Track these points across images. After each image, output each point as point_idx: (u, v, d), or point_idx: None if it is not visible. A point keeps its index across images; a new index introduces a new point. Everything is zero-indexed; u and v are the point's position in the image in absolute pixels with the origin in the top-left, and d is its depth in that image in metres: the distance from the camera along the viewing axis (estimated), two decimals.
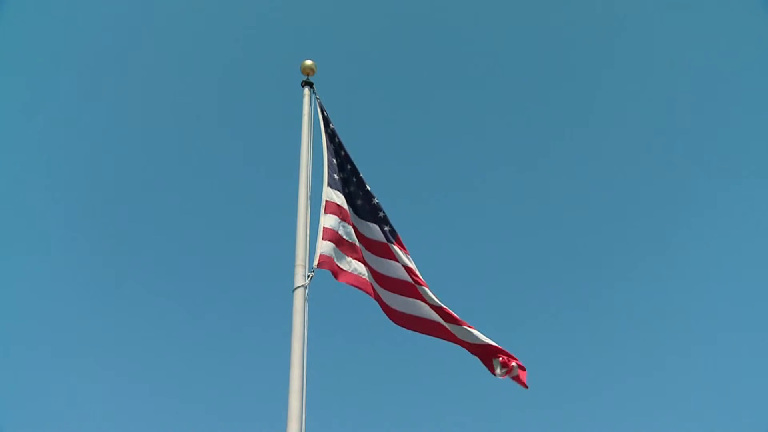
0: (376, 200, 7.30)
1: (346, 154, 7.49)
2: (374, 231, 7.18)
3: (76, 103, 20.36)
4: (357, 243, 6.98)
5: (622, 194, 21.81)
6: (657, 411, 16.80)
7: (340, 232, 6.79)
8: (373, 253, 7.08)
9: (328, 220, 6.72)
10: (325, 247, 6.50)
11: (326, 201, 6.85)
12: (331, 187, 7.00)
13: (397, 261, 7.06)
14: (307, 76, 7.90)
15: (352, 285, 6.70)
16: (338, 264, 6.62)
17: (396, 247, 7.10)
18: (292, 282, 6.23)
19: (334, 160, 7.33)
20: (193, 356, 18.39)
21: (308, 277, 6.26)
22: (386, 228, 7.17)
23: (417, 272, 7.02)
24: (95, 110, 20.54)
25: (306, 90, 7.81)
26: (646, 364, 18.15)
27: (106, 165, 20.68)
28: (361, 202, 7.29)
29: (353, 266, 6.79)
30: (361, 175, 7.43)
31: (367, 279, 6.86)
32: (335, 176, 7.17)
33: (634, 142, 21.84)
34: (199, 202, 21.43)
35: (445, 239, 21.40)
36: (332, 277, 6.56)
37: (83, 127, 20.25)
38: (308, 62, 7.95)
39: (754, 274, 18.36)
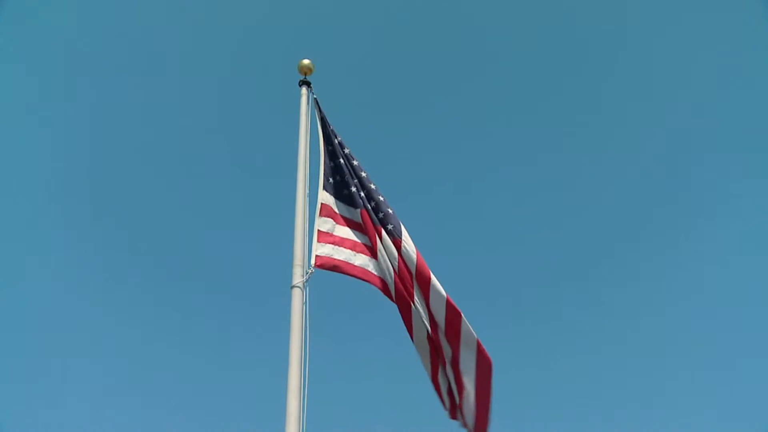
0: (373, 203, 7.11)
1: (348, 154, 7.42)
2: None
3: (75, 103, 20.39)
4: (356, 239, 6.92)
5: (624, 194, 21.84)
6: (657, 411, 16.80)
7: (335, 233, 6.79)
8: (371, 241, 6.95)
9: (323, 223, 6.75)
10: (320, 248, 6.55)
11: (321, 204, 6.88)
12: (326, 191, 7.04)
13: (395, 256, 6.80)
14: (305, 75, 7.86)
15: (355, 276, 6.63)
16: (337, 259, 6.60)
17: (390, 240, 6.84)
18: (290, 281, 6.23)
19: (331, 163, 7.31)
20: (192, 356, 18.41)
21: (307, 274, 6.26)
22: (389, 226, 6.97)
23: (413, 277, 6.70)
24: (93, 109, 20.57)
25: (303, 89, 7.78)
26: (645, 364, 18.17)
27: (103, 164, 20.71)
28: (365, 201, 7.14)
29: (353, 259, 6.71)
30: (364, 173, 7.32)
31: (370, 270, 6.75)
32: (330, 180, 7.17)
33: (637, 140, 21.87)
34: (197, 202, 21.45)
35: (446, 238, 21.39)
36: (332, 274, 6.54)
37: (81, 127, 20.28)
38: (305, 61, 7.91)
39: (755, 275, 18.37)
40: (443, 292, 6.52)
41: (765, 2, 17.33)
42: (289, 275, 6.28)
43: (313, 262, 6.40)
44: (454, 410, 6.71)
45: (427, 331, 6.67)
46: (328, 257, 6.56)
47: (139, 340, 18.44)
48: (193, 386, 17.68)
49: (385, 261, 6.76)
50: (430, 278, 6.57)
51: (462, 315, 6.48)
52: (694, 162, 21.11)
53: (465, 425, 6.56)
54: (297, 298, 6.11)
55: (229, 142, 22.02)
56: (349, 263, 6.67)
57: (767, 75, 19.09)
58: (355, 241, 6.89)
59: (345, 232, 6.92)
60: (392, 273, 6.71)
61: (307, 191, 6.94)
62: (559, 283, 21.12)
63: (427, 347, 6.77)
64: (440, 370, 6.78)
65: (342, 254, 6.68)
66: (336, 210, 7.03)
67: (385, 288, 6.75)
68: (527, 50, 22.89)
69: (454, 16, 22.71)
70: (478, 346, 6.46)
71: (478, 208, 22.27)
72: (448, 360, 6.64)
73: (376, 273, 6.76)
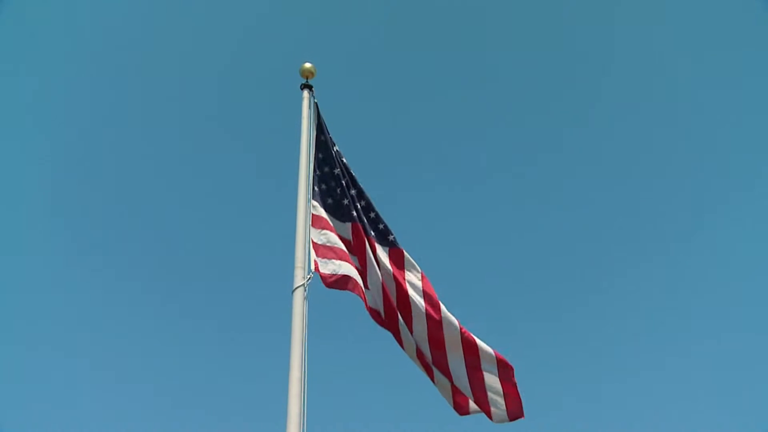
0: (373, 214, 7.22)
1: (346, 164, 7.44)
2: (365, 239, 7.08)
3: (75, 104, 20.43)
4: (343, 248, 6.88)
5: (623, 195, 21.88)
6: (657, 411, 16.83)
7: (327, 244, 6.77)
8: (359, 258, 7.00)
9: (318, 236, 6.77)
10: (320, 263, 6.56)
11: (313, 215, 6.89)
12: (315, 200, 7.05)
13: (388, 272, 6.90)
14: (307, 79, 7.87)
15: (341, 288, 6.58)
16: (325, 270, 6.56)
17: (384, 255, 6.96)
18: (292, 284, 6.28)
19: (324, 170, 7.32)
20: (193, 358, 18.47)
21: (307, 278, 6.30)
22: (390, 237, 7.09)
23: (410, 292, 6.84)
24: (94, 112, 20.61)
25: (305, 93, 7.78)
26: (645, 364, 18.20)
27: (105, 166, 20.76)
28: (360, 213, 7.17)
29: (340, 269, 6.65)
30: (360, 185, 7.38)
31: (355, 279, 6.67)
32: (316, 188, 7.16)
33: (635, 142, 21.92)
34: (199, 204, 21.50)
35: (445, 240, 21.45)
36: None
37: (82, 128, 20.32)
38: (307, 65, 7.93)
39: (756, 274, 18.40)
40: (456, 323, 6.76)
41: (765, 2, 17.37)
42: (291, 278, 6.32)
43: (313, 267, 6.43)
44: (464, 407, 6.94)
45: (416, 346, 6.80)
46: (333, 274, 6.55)
47: (141, 341, 18.52)
48: (194, 387, 17.76)
49: (375, 274, 6.77)
50: (440, 308, 6.76)
51: (477, 341, 6.77)
52: (694, 162, 21.18)
53: (490, 415, 6.87)
54: (298, 301, 6.15)
55: (232, 144, 22.10)
56: (336, 277, 6.57)
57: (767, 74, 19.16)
58: (349, 258, 6.88)
59: (337, 241, 6.88)
60: (380, 287, 6.74)
61: (309, 194, 6.98)
62: (558, 283, 21.18)
63: (417, 360, 6.90)
64: (436, 375, 6.88)
65: (329, 265, 6.62)
66: (329, 221, 7.01)
67: (376, 311, 6.81)
68: (526, 53, 22.96)
69: (454, 17, 22.77)
70: (498, 358, 6.79)
71: (476, 208, 22.34)
72: (459, 365, 6.80)
73: (368, 296, 6.79)
